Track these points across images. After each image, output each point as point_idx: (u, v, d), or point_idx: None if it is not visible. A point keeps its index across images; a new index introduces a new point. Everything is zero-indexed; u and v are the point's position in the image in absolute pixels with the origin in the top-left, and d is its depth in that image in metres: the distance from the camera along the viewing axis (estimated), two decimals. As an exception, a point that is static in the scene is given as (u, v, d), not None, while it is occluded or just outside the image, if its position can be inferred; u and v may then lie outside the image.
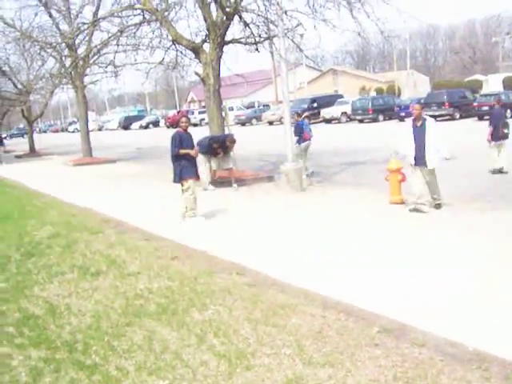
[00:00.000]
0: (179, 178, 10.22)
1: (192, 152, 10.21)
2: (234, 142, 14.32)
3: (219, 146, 14.02)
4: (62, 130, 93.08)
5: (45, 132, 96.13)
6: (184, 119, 10.51)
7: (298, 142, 15.57)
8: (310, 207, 11.21)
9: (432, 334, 4.79)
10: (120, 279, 7.01)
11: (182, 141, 10.16)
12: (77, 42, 24.59)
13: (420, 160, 9.93)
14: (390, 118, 40.47)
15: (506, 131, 13.99)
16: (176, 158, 10.16)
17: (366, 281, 6.33)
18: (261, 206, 11.61)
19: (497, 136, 13.94)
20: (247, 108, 60.20)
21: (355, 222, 9.50)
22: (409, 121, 10.31)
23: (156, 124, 70.50)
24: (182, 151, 10.10)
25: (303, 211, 10.81)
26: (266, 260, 7.45)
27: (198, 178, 10.77)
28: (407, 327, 4.97)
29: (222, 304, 5.81)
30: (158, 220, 10.95)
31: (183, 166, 10.15)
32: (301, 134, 15.71)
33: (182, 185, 10.26)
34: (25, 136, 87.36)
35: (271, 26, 15.49)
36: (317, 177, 15.37)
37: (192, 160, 10.29)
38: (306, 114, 24.50)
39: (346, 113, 43.40)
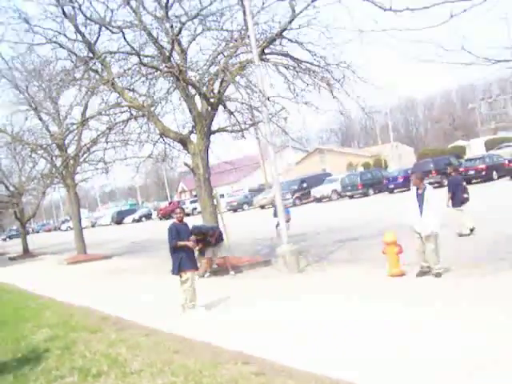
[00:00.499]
0: (178, 270, 10.15)
1: (190, 244, 10.19)
2: (214, 235, 14.27)
3: (203, 238, 13.84)
4: (55, 229, 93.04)
5: (38, 232, 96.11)
6: (178, 210, 10.61)
7: (278, 225, 15.70)
8: (308, 290, 11.08)
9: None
10: (122, 379, 6.80)
11: (178, 232, 10.18)
12: (67, 141, 25.08)
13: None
14: (380, 191, 40.87)
15: (465, 196, 14.93)
16: (174, 250, 10.13)
17: (377, 366, 6.17)
18: (259, 292, 11.46)
19: (458, 201, 14.80)
20: (255, 190, 60.12)
21: (356, 302, 9.37)
22: (413, 189, 10.60)
23: (149, 217, 70.65)
24: (180, 243, 10.08)
25: (302, 294, 10.67)
26: (270, 347, 7.27)
27: (196, 269, 10.73)
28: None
29: (229, 397, 5.62)
30: (157, 313, 10.75)
31: (182, 258, 10.10)
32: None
33: (181, 276, 10.17)
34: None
35: (255, 113, 15.90)
36: (314, 256, 15.28)
37: (190, 251, 10.29)
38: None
39: (335, 190, 43.81)
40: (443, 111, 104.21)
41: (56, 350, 8.86)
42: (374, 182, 42.15)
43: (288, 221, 15.96)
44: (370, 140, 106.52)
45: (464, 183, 15.59)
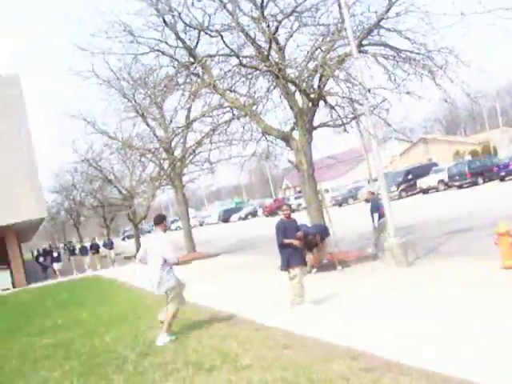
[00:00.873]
0: (286, 265, 10.24)
1: (296, 242, 10.27)
2: (315, 237, 14.09)
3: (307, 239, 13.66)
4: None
5: (149, 232, 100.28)
6: (285, 207, 10.75)
7: (379, 218, 15.50)
8: (418, 285, 10.81)
9: None
10: (234, 373, 6.98)
11: (286, 229, 10.28)
12: (173, 144, 26.03)
13: None
14: (491, 180, 39.03)
15: None
16: (282, 246, 10.25)
17: (489, 358, 5.95)
18: (367, 287, 11.32)
19: None
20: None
21: (472, 296, 9.04)
22: None
23: (254, 214, 71.60)
24: (287, 241, 10.19)
25: (412, 290, 10.43)
26: (380, 342, 7.18)
27: (305, 264, 10.79)
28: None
29: (340, 392, 5.63)
30: (266, 309, 10.93)
31: (290, 254, 10.19)
32: (378, 210, 15.57)
33: (289, 272, 10.26)
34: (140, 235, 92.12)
35: (356, 106, 15.72)
36: (422, 249, 14.88)
37: (298, 247, 10.35)
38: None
39: (443, 180, 42.30)
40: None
41: (171, 344, 9.25)
42: (484, 170, 40.31)
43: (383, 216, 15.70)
44: (477, 126, 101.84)
45: None
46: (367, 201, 46.79)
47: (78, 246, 38.90)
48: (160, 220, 10.05)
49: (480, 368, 5.61)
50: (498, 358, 5.83)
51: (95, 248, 34.61)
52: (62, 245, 71.27)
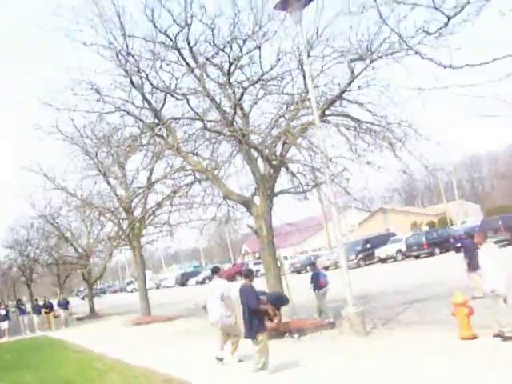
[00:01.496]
0: (256, 331, 10.04)
1: (270, 310, 10.32)
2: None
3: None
4: (121, 291, 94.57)
5: (104, 293, 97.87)
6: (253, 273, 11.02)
7: (314, 289, 16.26)
8: (376, 354, 10.71)
9: None
10: None
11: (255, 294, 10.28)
12: (133, 205, 25.77)
13: None
14: (447, 250, 39.70)
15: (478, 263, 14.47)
16: (255, 311, 10.07)
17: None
18: (324, 357, 11.13)
19: (473, 266, 14.29)
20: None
21: (429, 369, 8.97)
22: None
23: (212, 279, 70.62)
24: (263, 307, 10.22)
25: (370, 358, 10.34)
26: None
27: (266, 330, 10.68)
28: None
29: None
30: (223, 377, 10.64)
31: (260, 320, 10.11)
32: (317, 282, 16.27)
33: (257, 338, 10.06)
34: (101, 295, 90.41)
35: (317, 174, 15.97)
36: (380, 319, 14.86)
37: (267, 313, 10.48)
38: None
39: (400, 250, 42.84)
40: (508, 167, 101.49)
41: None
42: (441, 241, 41.04)
43: (326, 285, 16.26)
44: (434, 198, 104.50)
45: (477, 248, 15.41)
46: (326, 268, 47.08)
47: (28, 305, 37.09)
48: (217, 269, 13.37)
49: None
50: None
51: (48, 307, 32.76)
52: (12, 303, 68.68)
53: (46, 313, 31.75)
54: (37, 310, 32.26)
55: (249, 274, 10.78)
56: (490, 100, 9.23)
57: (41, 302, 32.79)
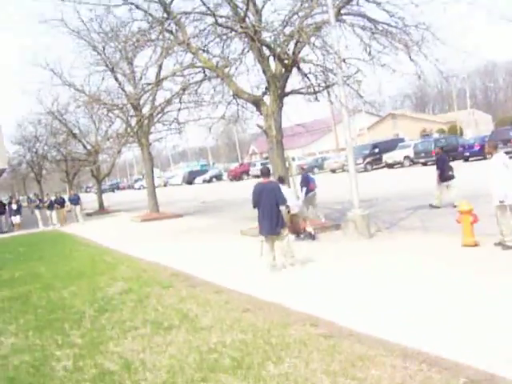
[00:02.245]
0: (281, 227, 10.40)
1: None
2: None
3: None
4: (129, 187, 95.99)
5: (118, 188, 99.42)
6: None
7: (307, 192, 16.23)
8: (379, 255, 10.94)
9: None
10: (193, 333, 6.99)
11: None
12: (141, 102, 25.52)
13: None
14: (454, 159, 39.47)
15: (451, 173, 16.90)
16: (278, 207, 10.34)
17: (446, 329, 6.06)
18: (329, 256, 11.41)
19: (444, 178, 16.76)
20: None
21: (428, 269, 9.17)
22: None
23: (219, 177, 71.49)
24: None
25: (373, 260, 10.55)
26: (339, 310, 7.27)
27: None
28: (496, 378, 4.68)
29: (298, 356, 5.67)
30: (227, 272, 10.94)
31: (281, 215, 10.44)
32: (307, 185, 16.33)
33: (282, 234, 10.44)
34: (115, 191, 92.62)
35: (330, 75, 15.62)
36: (384, 223, 15.06)
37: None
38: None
39: (408, 156, 42.75)
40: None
41: (130, 302, 9.22)
42: (449, 149, 40.73)
43: (314, 189, 16.54)
44: (446, 106, 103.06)
45: (449, 161, 17.77)
46: (333, 171, 47.13)
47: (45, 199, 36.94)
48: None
49: (424, 333, 5.73)
50: (438, 323, 5.97)
51: (60, 202, 32.52)
52: (23, 197, 69.83)
53: (57, 208, 31.83)
54: (51, 205, 32.14)
55: (268, 173, 10.95)
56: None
57: (52, 198, 32.84)
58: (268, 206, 10.27)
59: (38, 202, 34.71)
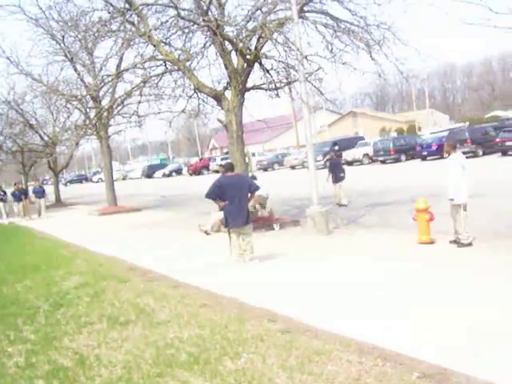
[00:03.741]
0: (249, 221, 10.53)
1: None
2: None
3: None
4: (86, 180, 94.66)
5: (86, 180, 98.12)
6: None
7: None
8: (336, 251, 11.05)
9: (476, 380, 4.59)
10: (149, 328, 6.92)
11: None
12: (101, 93, 25.17)
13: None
14: (413, 158, 40.29)
15: (342, 175, 19.27)
16: (247, 201, 10.54)
17: (400, 325, 6.16)
18: (287, 251, 11.46)
19: (336, 179, 19.07)
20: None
21: (383, 265, 9.32)
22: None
23: (179, 172, 71.09)
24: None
25: (330, 256, 10.66)
26: (296, 306, 7.30)
27: None
28: (449, 372, 4.77)
29: (255, 352, 5.67)
30: (184, 267, 10.88)
31: (248, 211, 10.62)
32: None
33: (250, 226, 10.60)
34: (83, 181, 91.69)
35: (291, 71, 15.66)
36: (343, 219, 15.20)
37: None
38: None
39: (367, 154, 43.32)
40: (482, 80, 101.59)
41: (86, 297, 9.07)
42: (408, 148, 41.48)
43: None
44: (405, 105, 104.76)
45: (342, 165, 20.53)
46: (293, 167, 47.31)
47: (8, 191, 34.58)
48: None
49: (378, 329, 5.81)
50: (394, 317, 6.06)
51: (23, 194, 30.05)
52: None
53: (19, 200, 29.88)
54: (17, 196, 30.03)
55: (232, 168, 11.00)
56: (475, 6, 8.99)
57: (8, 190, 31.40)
58: (237, 199, 10.27)
59: (3, 194, 31.56)
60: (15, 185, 32.10)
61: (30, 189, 33.04)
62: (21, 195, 29.82)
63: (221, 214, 11.59)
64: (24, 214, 29.34)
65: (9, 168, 56.35)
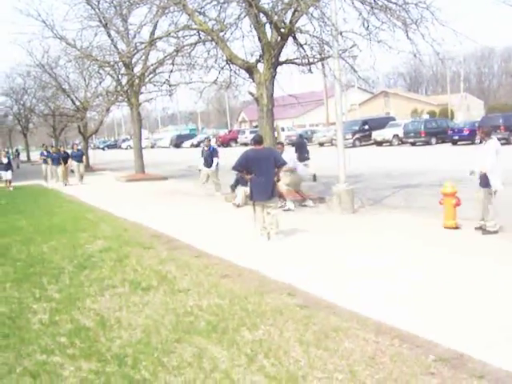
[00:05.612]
0: (275, 195, 10.56)
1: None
2: None
3: None
4: (116, 147, 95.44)
5: (114, 146, 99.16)
6: None
7: (210, 165, 18.31)
8: (361, 230, 11.02)
9: (492, 366, 4.58)
10: (170, 295, 7.03)
11: None
12: (133, 61, 25.23)
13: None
14: (443, 142, 39.74)
15: (306, 155, 20.40)
16: (274, 175, 10.48)
17: (420, 308, 6.15)
18: (312, 228, 11.44)
19: (301, 159, 19.18)
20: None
21: (407, 247, 9.27)
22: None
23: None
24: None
25: (354, 234, 10.63)
26: (318, 282, 7.33)
27: None
28: (465, 357, 4.77)
29: (272, 324, 5.73)
30: (209, 238, 10.97)
31: (275, 185, 10.57)
32: (211, 158, 18.35)
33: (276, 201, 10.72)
34: (105, 149, 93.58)
35: (325, 47, 15.48)
36: (369, 199, 15.12)
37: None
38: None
39: (397, 135, 42.77)
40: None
41: (109, 261, 9.22)
42: (439, 131, 40.89)
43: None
44: (439, 88, 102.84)
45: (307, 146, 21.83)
46: (321, 144, 47.02)
47: (24, 154, 34.68)
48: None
49: (398, 310, 5.81)
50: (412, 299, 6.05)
51: (64, 158, 28.24)
52: (12, 151, 68.89)
53: (59, 164, 28.56)
54: (56, 160, 28.69)
55: (261, 140, 10.91)
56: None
57: (68, 150, 29.64)
58: (264, 172, 10.18)
59: (46, 154, 30.43)
60: (43, 146, 31.95)
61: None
62: (60, 158, 28.33)
63: (247, 189, 11.60)
64: (63, 178, 27.71)
65: (40, 131, 57.16)
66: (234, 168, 10.61)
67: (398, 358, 4.81)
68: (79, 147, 33.50)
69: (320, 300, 6.52)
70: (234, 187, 16.39)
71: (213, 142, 67.77)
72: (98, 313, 6.56)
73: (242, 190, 14.67)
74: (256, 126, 43.64)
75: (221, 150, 21.58)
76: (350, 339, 5.25)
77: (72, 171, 28.63)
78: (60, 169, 28.31)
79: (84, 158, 28.97)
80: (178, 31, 16.21)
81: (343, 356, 4.90)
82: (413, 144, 40.92)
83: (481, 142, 10.50)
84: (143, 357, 5.15)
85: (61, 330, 6.04)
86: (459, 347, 4.95)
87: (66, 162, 28.14)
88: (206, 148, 18.98)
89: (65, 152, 29.45)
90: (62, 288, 7.74)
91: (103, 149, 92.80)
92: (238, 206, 14.96)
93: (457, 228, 10.43)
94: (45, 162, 30.28)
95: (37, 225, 13.95)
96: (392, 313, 5.94)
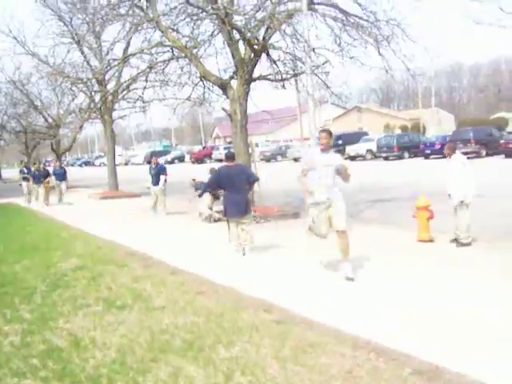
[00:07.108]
0: (249, 211, 10.58)
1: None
2: None
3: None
4: (88, 164, 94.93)
5: (88, 163, 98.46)
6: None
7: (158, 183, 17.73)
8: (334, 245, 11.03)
9: (468, 377, 4.60)
10: (145, 313, 6.94)
11: None
12: (107, 77, 25.13)
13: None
14: (416, 156, 40.27)
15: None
16: (247, 191, 10.65)
17: (395, 321, 6.17)
18: (285, 243, 11.46)
19: None
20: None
21: (380, 260, 9.32)
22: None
23: (181, 159, 71.03)
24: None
25: (328, 249, 10.64)
26: (294, 298, 7.31)
27: None
28: (440, 369, 4.79)
29: (249, 341, 5.68)
30: (183, 254, 10.90)
31: (249, 201, 10.69)
32: (161, 175, 17.85)
33: (247, 218, 10.55)
34: (83, 165, 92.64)
35: (298, 63, 15.64)
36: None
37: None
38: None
39: (371, 150, 43.27)
40: (489, 80, 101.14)
41: (83, 279, 9.09)
42: (411, 145, 41.47)
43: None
44: (410, 103, 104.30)
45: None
46: (296, 160, 47.16)
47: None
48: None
49: (373, 324, 5.83)
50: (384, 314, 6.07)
51: (44, 175, 26.27)
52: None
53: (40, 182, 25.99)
54: (37, 178, 26.06)
55: (233, 157, 11.09)
56: (487, 6, 8.95)
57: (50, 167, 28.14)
58: (237, 189, 10.25)
59: (27, 171, 28.17)
60: (22, 163, 30.83)
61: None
62: (40, 177, 25.95)
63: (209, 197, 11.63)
64: (44, 198, 25.52)
65: (11, 148, 56.38)
66: (206, 190, 10.67)
67: (374, 372, 4.80)
68: (63, 164, 31.84)
69: (296, 316, 6.49)
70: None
71: (187, 159, 67.97)
72: (72, 333, 6.43)
73: (206, 199, 14.71)
74: (230, 142, 43.74)
75: (194, 167, 21.46)
76: (327, 354, 5.23)
77: (53, 187, 26.47)
78: (42, 188, 25.84)
79: (66, 175, 26.48)
80: (152, 48, 16.24)
81: (320, 371, 4.87)
82: (386, 158, 41.38)
83: (448, 158, 10.66)
84: (118, 377, 5.05)
85: (33, 352, 5.90)
86: (435, 359, 4.97)
87: (46, 180, 26.07)
88: (153, 165, 18.08)
89: (44, 169, 27.62)
90: (35, 308, 7.59)
91: (80, 165, 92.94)
92: (211, 216, 14.94)
93: (431, 241, 10.54)
94: (24, 179, 27.73)
95: (8, 244, 13.69)
96: (368, 327, 5.94)
